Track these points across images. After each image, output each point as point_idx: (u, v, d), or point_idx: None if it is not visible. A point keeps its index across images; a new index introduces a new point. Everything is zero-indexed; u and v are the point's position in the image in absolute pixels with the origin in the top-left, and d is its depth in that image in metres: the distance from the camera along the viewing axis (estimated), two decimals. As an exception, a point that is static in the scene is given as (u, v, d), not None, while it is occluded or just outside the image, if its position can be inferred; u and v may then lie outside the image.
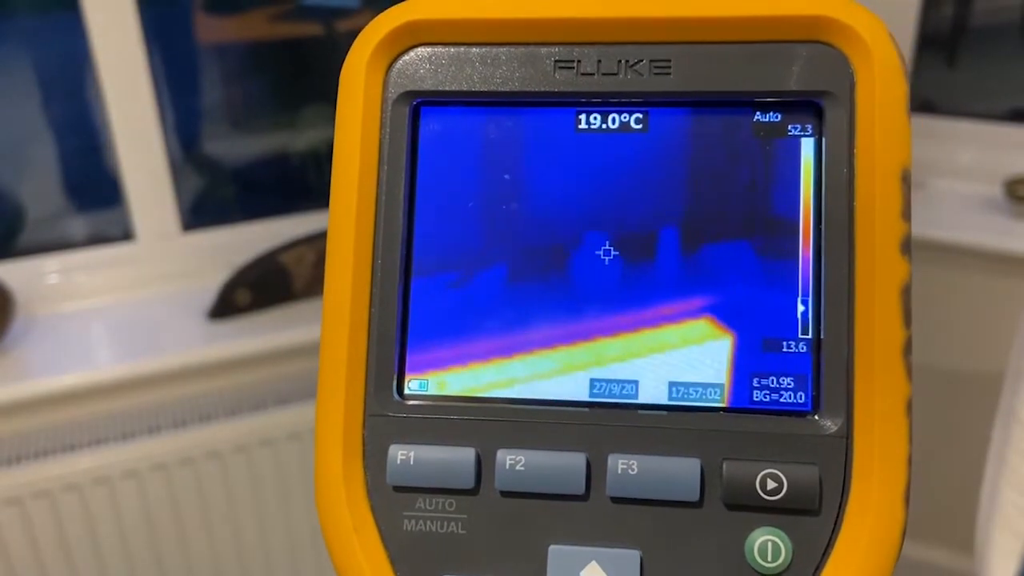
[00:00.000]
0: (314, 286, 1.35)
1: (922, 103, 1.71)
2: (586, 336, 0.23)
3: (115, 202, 1.45)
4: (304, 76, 1.75)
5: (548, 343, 0.23)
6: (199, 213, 1.48)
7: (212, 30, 1.67)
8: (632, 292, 0.23)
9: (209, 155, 1.63)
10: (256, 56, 1.77)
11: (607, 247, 0.23)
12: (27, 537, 1.18)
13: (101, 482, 1.18)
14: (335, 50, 1.78)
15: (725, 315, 0.23)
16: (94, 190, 1.55)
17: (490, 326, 0.24)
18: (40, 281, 1.35)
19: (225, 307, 1.31)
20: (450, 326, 0.24)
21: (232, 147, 1.68)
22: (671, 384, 0.23)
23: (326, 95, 1.72)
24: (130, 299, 1.36)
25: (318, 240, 1.35)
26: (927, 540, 1.66)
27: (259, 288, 1.32)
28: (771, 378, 0.22)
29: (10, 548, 1.17)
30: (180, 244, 1.40)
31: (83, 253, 1.38)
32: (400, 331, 0.24)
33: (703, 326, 0.23)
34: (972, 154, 1.60)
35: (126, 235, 1.39)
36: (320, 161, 1.63)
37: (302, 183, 1.66)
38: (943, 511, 1.62)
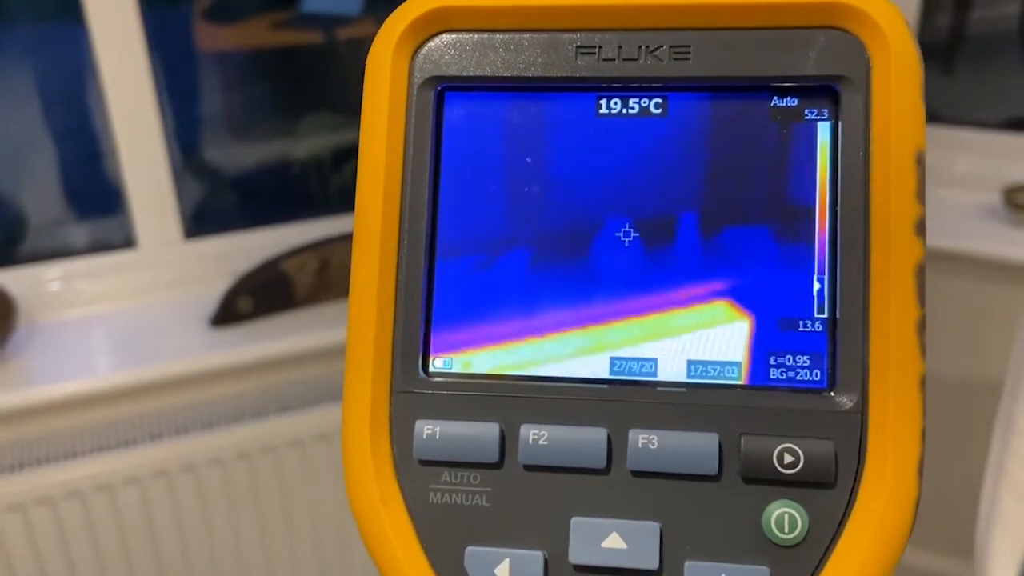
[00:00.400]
0: (316, 294, 1.35)
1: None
2: (608, 318, 0.24)
3: (116, 209, 1.46)
4: (305, 84, 1.75)
5: (570, 324, 0.24)
6: (201, 221, 1.49)
7: (212, 38, 1.68)
8: (652, 275, 0.24)
9: (210, 162, 1.64)
10: (256, 64, 1.77)
11: (628, 230, 0.24)
12: (29, 543, 1.18)
13: (103, 489, 1.19)
14: (336, 58, 1.78)
15: (743, 298, 0.23)
16: (95, 197, 1.55)
17: (513, 308, 0.24)
18: (42, 288, 1.35)
19: (227, 314, 1.31)
20: (474, 308, 0.25)
21: (233, 155, 1.68)
22: (689, 362, 0.23)
23: (327, 103, 1.73)
24: (132, 306, 1.36)
25: (320, 248, 1.35)
26: (927, 546, 1.67)
27: (261, 295, 1.33)
28: (788, 356, 0.23)
29: (12, 555, 1.18)
30: (182, 251, 1.41)
31: (85, 260, 1.38)
32: (425, 312, 0.24)
33: (722, 308, 0.24)
34: (970, 162, 1.61)
35: (128, 242, 1.39)
36: (322, 169, 1.63)
37: (303, 191, 1.66)
38: (943, 517, 1.62)
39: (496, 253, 0.24)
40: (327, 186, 1.64)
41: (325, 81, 1.79)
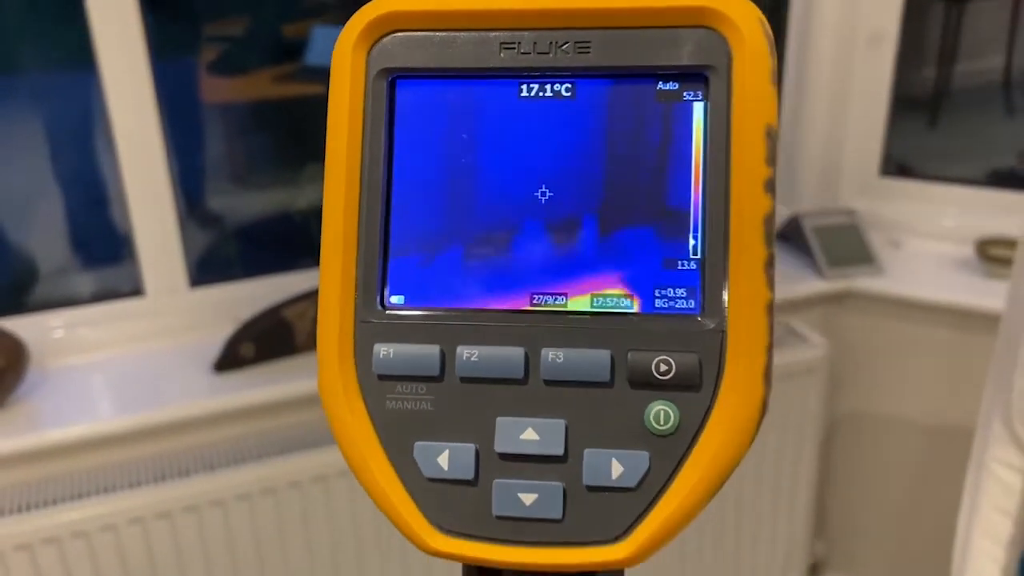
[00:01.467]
0: (315, 340, 1.39)
1: (898, 167, 1.77)
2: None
3: (121, 257, 1.50)
4: (306, 135, 1.80)
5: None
6: (205, 269, 1.53)
7: (217, 90, 1.72)
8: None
9: (213, 211, 1.68)
10: (259, 115, 1.81)
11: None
12: (36, 582, 1.21)
13: (108, 529, 1.22)
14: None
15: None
16: (101, 245, 1.59)
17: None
18: (52, 335, 1.40)
19: (230, 360, 1.36)
20: (421, 263, 0.30)
21: (236, 204, 1.72)
22: (592, 296, 0.29)
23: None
24: (139, 352, 1.41)
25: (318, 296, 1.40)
26: (908, 589, 1.70)
27: (262, 342, 1.37)
28: (669, 289, 0.29)
29: (19, 593, 1.21)
30: (187, 299, 1.46)
31: (94, 308, 1.43)
32: (382, 262, 0.30)
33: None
34: (949, 216, 1.66)
35: (135, 290, 1.44)
36: (321, 218, 1.67)
37: (304, 240, 1.71)
38: (920, 558, 1.66)
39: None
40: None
41: (326, 132, 1.83)
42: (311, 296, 1.40)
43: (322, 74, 1.70)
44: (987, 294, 1.45)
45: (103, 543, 1.23)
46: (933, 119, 2.13)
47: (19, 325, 1.34)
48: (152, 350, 1.41)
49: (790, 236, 1.65)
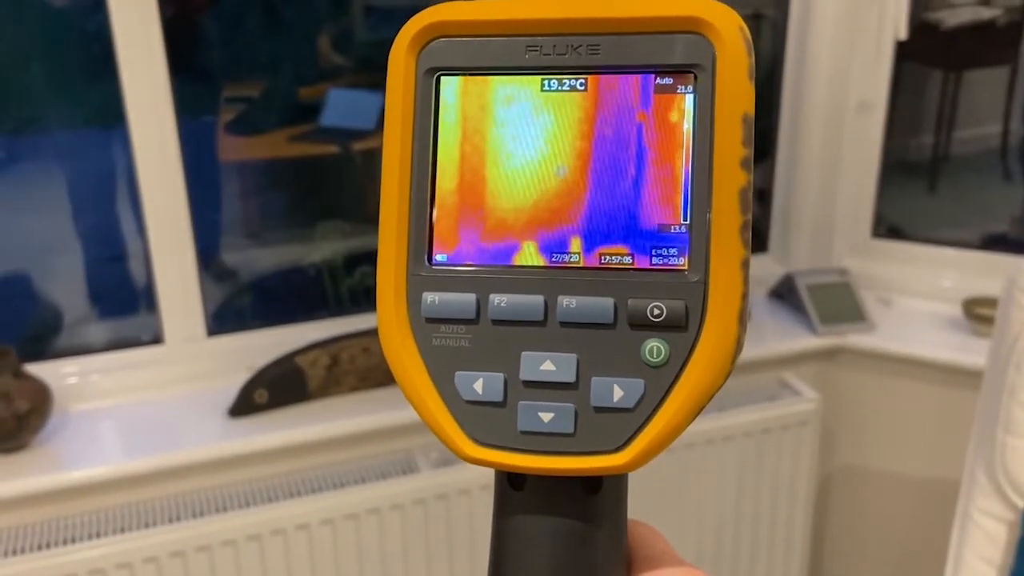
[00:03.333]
0: (327, 387, 1.45)
1: (889, 229, 1.83)
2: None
3: (138, 308, 1.56)
4: (320, 192, 1.86)
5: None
6: (221, 319, 1.59)
7: (234, 149, 1.79)
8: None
9: (229, 265, 1.74)
10: (274, 173, 1.87)
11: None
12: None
13: (123, 567, 1.26)
14: (350, 169, 1.90)
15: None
16: (121, 297, 1.65)
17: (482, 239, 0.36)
18: (74, 380, 1.46)
19: (244, 406, 1.41)
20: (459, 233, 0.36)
21: (250, 258, 1.78)
22: (600, 255, 0.35)
23: (340, 211, 1.84)
24: (158, 397, 1.46)
25: (331, 345, 1.46)
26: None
27: (276, 388, 1.42)
28: (663, 248, 0.34)
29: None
30: (205, 347, 1.51)
31: (116, 355, 1.49)
32: (429, 228, 0.36)
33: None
34: (937, 276, 1.72)
35: (155, 339, 1.50)
36: (334, 272, 1.73)
37: (317, 292, 1.76)
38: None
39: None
40: (339, 288, 1.74)
41: (339, 190, 1.90)
42: (323, 345, 1.46)
43: (337, 134, 1.76)
44: (973, 351, 1.50)
45: (119, 580, 1.27)
46: (932, 184, 2.19)
47: (43, 370, 1.40)
48: (171, 396, 1.47)
49: (784, 294, 1.71)
